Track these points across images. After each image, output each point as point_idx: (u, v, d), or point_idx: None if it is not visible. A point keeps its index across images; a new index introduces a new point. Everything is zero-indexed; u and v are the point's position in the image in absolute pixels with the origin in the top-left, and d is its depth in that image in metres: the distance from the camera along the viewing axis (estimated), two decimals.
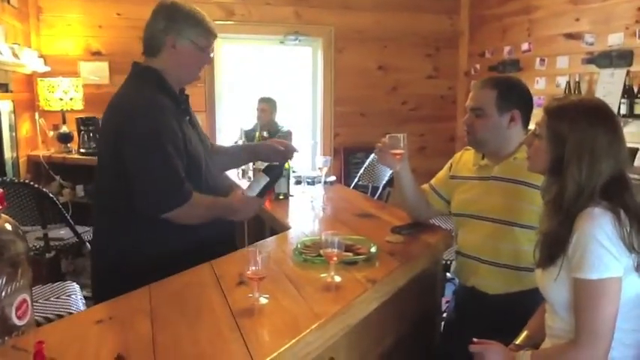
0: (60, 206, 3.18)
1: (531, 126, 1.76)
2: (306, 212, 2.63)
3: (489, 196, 2.02)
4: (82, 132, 4.53)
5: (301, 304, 1.45)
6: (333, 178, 3.33)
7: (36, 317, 2.10)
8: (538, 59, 4.79)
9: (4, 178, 3.37)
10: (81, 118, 4.54)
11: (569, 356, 1.39)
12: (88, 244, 3.33)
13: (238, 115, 5.30)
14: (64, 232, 3.45)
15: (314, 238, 1.93)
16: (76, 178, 4.48)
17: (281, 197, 2.77)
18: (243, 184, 3.03)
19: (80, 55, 4.89)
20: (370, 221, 2.37)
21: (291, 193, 2.83)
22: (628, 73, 3.81)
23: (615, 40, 4.00)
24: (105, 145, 1.94)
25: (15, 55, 3.60)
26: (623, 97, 3.77)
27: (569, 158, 1.42)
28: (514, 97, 2.01)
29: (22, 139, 4.27)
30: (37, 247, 3.32)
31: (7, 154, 3.82)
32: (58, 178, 4.50)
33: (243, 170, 3.41)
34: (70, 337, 1.27)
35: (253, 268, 1.44)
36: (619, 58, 3.92)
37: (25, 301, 1.17)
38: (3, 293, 1.13)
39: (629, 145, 3.90)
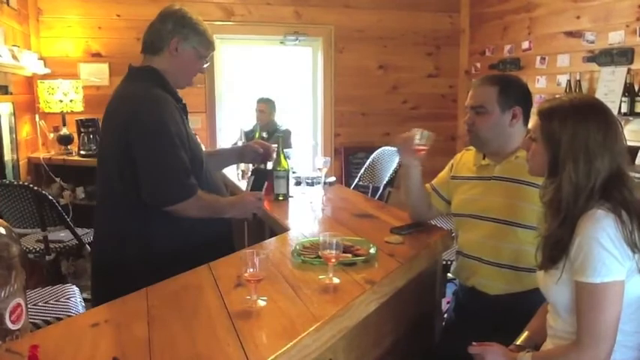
0: (60, 208, 3.18)
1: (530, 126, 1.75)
2: (305, 213, 2.62)
3: (491, 196, 2.01)
4: (82, 134, 4.53)
5: (299, 306, 1.44)
6: (332, 178, 3.31)
7: (35, 320, 2.12)
8: (539, 58, 4.78)
9: (4, 180, 3.38)
10: (81, 119, 4.54)
11: (571, 358, 1.37)
12: (87, 246, 3.34)
13: (238, 115, 5.30)
14: (64, 235, 3.45)
15: (312, 240, 1.92)
16: (77, 180, 4.49)
17: (280, 198, 2.75)
18: (243, 184, 3.03)
19: (80, 57, 4.89)
20: (370, 222, 2.36)
21: (290, 194, 2.82)
22: (629, 71, 3.80)
23: (616, 38, 3.98)
24: (109, 140, 1.97)
25: (14, 57, 3.60)
26: (624, 95, 3.76)
27: (564, 158, 1.41)
28: (514, 93, 2.00)
29: (22, 141, 4.27)
30: (37, 249, 3.32)
31: (7, 156, 3.82)
32: (58, 180, 4.50)
33: (242, 171, 3.41)
34: (66, 341, 1.26)
35: (251, 270, 1.43)
36: (620, 56, 3.90)
37: (19, 305, 1.16)
38: None
39: (630, 143, 3.87)
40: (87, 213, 3.70)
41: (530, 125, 1.58)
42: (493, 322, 1.84)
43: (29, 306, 1.98)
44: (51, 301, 2.40)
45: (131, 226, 1.94)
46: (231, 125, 5.26)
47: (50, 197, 3.15)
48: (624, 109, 3.74)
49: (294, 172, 3.26)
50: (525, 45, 4.94)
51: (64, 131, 4.61)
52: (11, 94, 3.93)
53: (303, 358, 1.26)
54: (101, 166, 2.03)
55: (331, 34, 5.45)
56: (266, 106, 4.75)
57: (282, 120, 4.90)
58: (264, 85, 5.37)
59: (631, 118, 3.79)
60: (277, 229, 2.35)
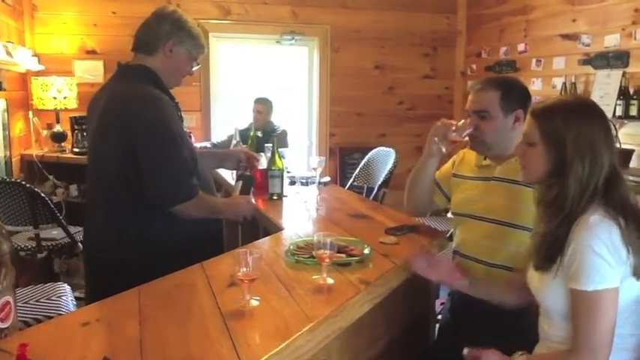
0: (52, 206, 3.16)
1: None
2: (299, 213, 2.61)
3: (490, 196, 2.00)
4: (76, 131, 4.50)
5: (292, 306, 1.43)
6: (327, 178, 3.30)
7: (25, 319, 2.10)
8: (534, 60, 4.79)
9: None
10: (75, 117, 4.52)
11: None
12: (80, 244, 3.31)
13: (234, 114, 5.28)
14: (56, 233, 3.43)
15: (306, 239, 1.92)
16: (70, 177, 4.46)
17: (275, 198, 2.74)
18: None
19: (75, 54, 4.86)
20: (364, 222, 2.35)
21: (285, 194, 2.80)
22: (624, 74, 3.80)
23: (612, 41, 3.99)
24: (107, 139, 1.96)
25: (8, 54, 3.58)
26: (619, 98, 3.76)
27: (571, 157, 1.39)
28: (516, 96, 1.99)
29: (16, 138, 4.24)
30: (29, 247, 3.30)
31: (0, 153, 3.80)
32: (51, 177, 4.47)
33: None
34: (56, 340, 1.25)
35: (244, 269, 1.42)
36: (615, 59, 3.91)
37: (7, 303, 1.15)
38: None
39: (624, 146, 3.91)
40: (80, 211, 3.64)
41: (523, 130, 1.55)
42: (487, 323, 1.83)
43: (20, 304, 1.97)
44: (42, 300, 2.37)
45: (129, 225, 1.95)
46: (226, 124, 5.23)
47: (43, 195, 3.13)
48: (619, 112, 3.74)
49: (288, 172, 3.25)
50: (521, 47, 4.94)
51: (58, 128, 4.59)
52: (5, 90, 3.89)
53: (296, 359, 1.25)
54: (95, 163, 2.03)
55: (327, 33, 5.44)
56: (263, 107, 4.73)
57: (278, 120, 4.89)
58: (260, 85, 5.36)
59: (625, 121, 3.79)
60: (271, 228, 2.34)
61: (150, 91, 1.96)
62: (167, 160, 1.91)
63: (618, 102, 3.76)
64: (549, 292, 1.43)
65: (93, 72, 4.85)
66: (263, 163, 2.78)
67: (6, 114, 3.90)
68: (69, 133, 4.60)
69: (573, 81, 4.23)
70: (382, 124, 5.59)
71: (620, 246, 1.32)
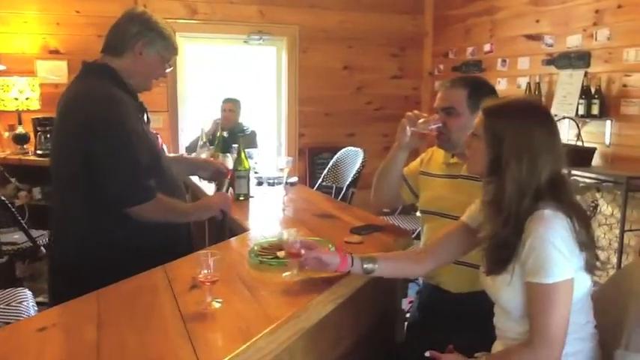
0: (12, 210, 3.08)
1: None
2: (266, 214, 2.59)
3: (456, 194, 2.02)
4: (39, 133, 4.41)
5: (255, 308, 1.42)
6: (295, 178, 3.30)
7: None
8: (500, 60, 4.86)
9: None
10: (38, 118, 4.43)
11: (525, 359, 1.38)
12: (43, 248, 3.24)
13: (201, 115, 5.23)
14: (17, 237, 3.35)
15: (270, 240, 1.91)
16: (33, 180, 4.35)
17: (241, 198, 2.72)
18: (204, 185, 2.97)
19: (37, 54, 4.75)
20: (330, 222, 2.35)
21: (251, 195, 2.79)
22: (586, 74, 3.88)
23: (574, 41, 4.07)
24: (66, 140, 1.94)
25: None
26: (581, 97, 3.84)
27: (508, 157, 1.41)
28: (483, 95, 2.00)
29: None
30: None
31: None
32: (13, 180, 4.36)
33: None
34: (9, 348, 1.22)
35: (205, 271, 1.40)
36: (577, 59, 3.99)
37: None
38: None
39: (586, 144, 3.98)
40: (44, 214, 3.60)
41: (474, 122, 1.58)
42: (456, 320, 1.85)
43: None
44: (1, 306, 2.31)
45: (92, 227, 1.92)
46: (194, 125, 5.17)
47: (2, 198, 3.06)
48: (581, 111, 3.82)
49: (256, 172, 3.23)
50: (487, 47, 5.01)
51: (20, 130, 4.49)
52: None
53: None
54: (57, 166, 2.00)
55: (296, 34, 5.43)
56: (234, 106, 4.71)
57: (247, 121, 4.86)
58: (229, 85, 5.31)
59: (587, 120, 3.88)
60: (237, 229, 2.32)
61: (106, 90, 1.92)
62: (120, 161, 1.87)
63: (580, 101, 3.83)
64: (507, 293, 1.44)
65: (57, 72, 4.75)
66: (229, 163, 2.75)
67: None
68: (32, 134, 4.50)
69: (537, 81, 4.30)
70: (351, 124, 5.60)
71: (572, 239, 1.35)
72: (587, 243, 1.38)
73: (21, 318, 2.19)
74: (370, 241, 2.01)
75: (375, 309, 2.08)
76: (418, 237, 2.24)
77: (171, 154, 3.09)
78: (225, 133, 2.96)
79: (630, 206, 3.46)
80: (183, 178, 2.78)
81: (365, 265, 1.61)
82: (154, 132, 2.18)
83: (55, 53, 4.78)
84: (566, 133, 3.93)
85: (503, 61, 4.81)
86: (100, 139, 1.85)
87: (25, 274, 3.94)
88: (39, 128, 4.41)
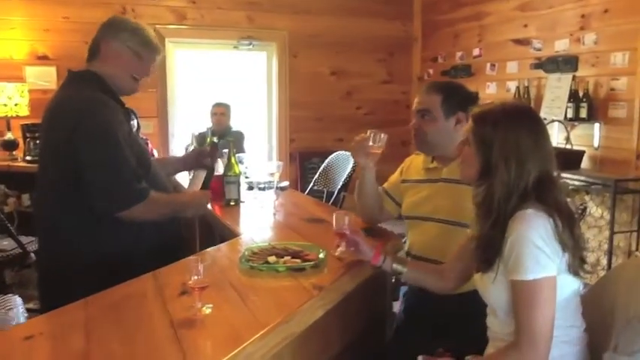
0: (1, 216, 3.06)
1: None
2: (256, 219, 2.59)
3: (438, 197, 2.05)
4: (28, 139, 4.39)
5: (245, 313, 1.42)
6: (285, 183, 3.29)
7: None
8: (489, 64, 4.88)
9: None
10: (26, 124, 4.41)
11: (511, 359, 1.39)
12: (32, 254, 3.22)
13: (191, 120, 5.22)
14: (6, 243, 3.33)
15: (261, 245, 1.90)
16: (22, 186, 4.33)
17: (232, 203, 2.71)
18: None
19: (25, 60, 4.73)
20: (320, 226, 2.35)
21: (242, 199, 2.78)
22: (574, 78, 3.91)
23: (561, 46, 4.10)
24: (53, 147, 1.93)
25: None
26: (569, 101, 3.87)
27: (496, 161, 1.44)
28: (457, 100, 2.07)
29: None
30: None
31: None
32: (2, 186, 4.34)
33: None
34: None
35: (195, 277, 1.40)
36: (565, 63, 4.02)
37: None
38: None
39: (575, 147, 4.00)
40: (33, 220, 3.57)
41: (464, 129, 1.60)
42: (441, 322, 1.86)
43: None
44: None
45: (81, 234, 1.91)
46: (184, 130, 5.17)
47: None
48: (570, 114, 3.85)
49: (246, 177, 3.22)
50: (476, 52, 5.04)
51: (9, 136, 4.47)
52: None
53: None
54: (45, 172, 1.99)
55: (285, 39, 5.44)
56: (225, 109, 4.73)
57: (237, 125, 4.86)
58: (219, 90, 5.31)
59: (576, 123, 3.91)
60: (227, 234, 2.32)
61: (92, 95, 1.92)
62: (108, 166, 1.86)
63: (569, 105, 3.86)
64: (492, 290, 1.46)
65: (46, 78, 4.72)
66: (220, 168, 2.74)
67: None
68: (20, 140, 4.48)
69: (526, 85, 4.33)
70: (341, 128, 5.60)
71: (554, 239, 1.36)
72: (570, 244, 1.39)
73: (10, 325, 2.17)
74: None
75: (365, 313, 2.08)
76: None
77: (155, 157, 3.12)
78: (215, 138, 2.94)
79: (619, 208, 3.49)
80: (174, 182, 2.78)
81: (395, 266, 1.78)
82: (144, 137, 2.18)
83: (43, 59, 4.76)
84: (556, 137, 3.96)
85: (492, 65, 4.84)
86: (86, 145, 1.85)
87: (15, 280, 3.91)
88: (28, 134, 4.39)
